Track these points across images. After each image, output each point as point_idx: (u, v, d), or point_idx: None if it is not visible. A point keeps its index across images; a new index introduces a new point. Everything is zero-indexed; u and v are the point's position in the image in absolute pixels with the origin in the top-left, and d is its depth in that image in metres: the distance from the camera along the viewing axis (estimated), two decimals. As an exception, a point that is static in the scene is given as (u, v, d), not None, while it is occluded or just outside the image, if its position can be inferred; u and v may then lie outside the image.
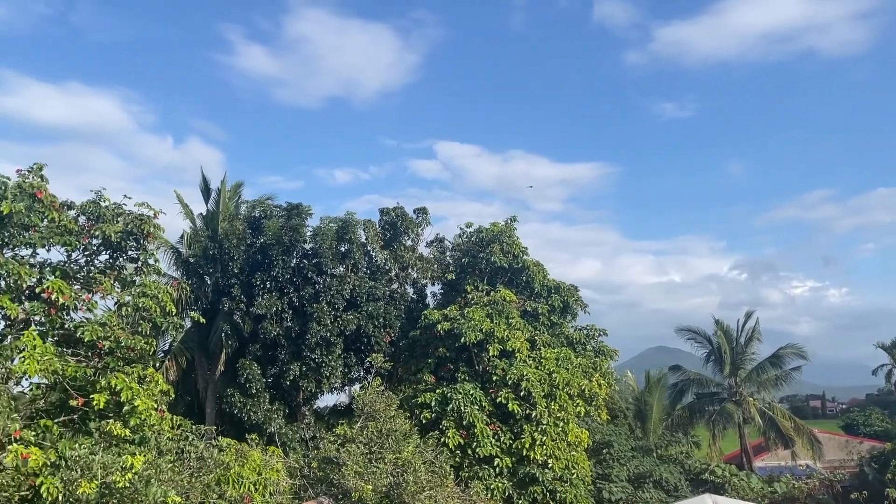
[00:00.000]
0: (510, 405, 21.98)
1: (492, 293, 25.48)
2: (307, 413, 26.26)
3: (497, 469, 21.29)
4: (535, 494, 21.14)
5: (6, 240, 15.24)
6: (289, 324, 25.00)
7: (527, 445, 21.47)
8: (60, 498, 12.22)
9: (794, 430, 37.26)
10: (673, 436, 33.81)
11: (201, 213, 28.92)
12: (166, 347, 26.97)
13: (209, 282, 27.31)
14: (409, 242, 29.25)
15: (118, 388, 14.44)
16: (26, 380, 15.14)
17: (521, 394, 22.14)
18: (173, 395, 17.74)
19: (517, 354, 23.35)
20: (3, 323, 15.67)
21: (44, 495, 12.41)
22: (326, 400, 28.67)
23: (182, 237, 28.91)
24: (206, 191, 29.19)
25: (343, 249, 26.91)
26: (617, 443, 27.16)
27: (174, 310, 17.06)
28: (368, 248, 27.93)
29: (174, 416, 16.50)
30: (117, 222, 16.73)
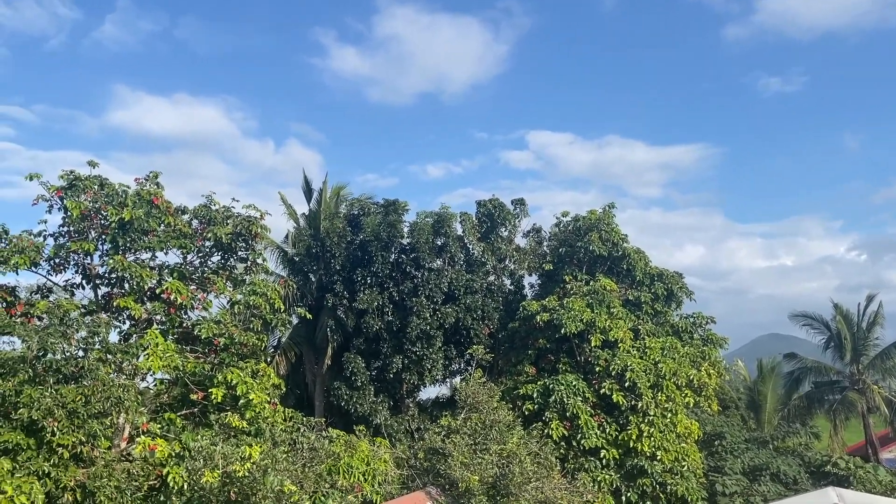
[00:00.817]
0: (614, 396, 21.52)
1: (591, 282, 25.01)
2: (411, 405, 26.73)
3: (603, 461, 20.91)
4: (644, 487, 20.62)
5: (128, 244, 16.32)
6: (390, 318, 25.49)
7: (633, 437, 20.97)
8: (185, 487, 12.99)
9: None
10: (790, 426, 32.14)
11: (304, 213, 29.94)
12: (276, 343, 28.13)
13: (313, 279, 28.25)
14: (505, 234, 29.18)
15: (234, 382, 15.20)
16: (151, 375, 16.22)
17: (626, 384, 21.63)
18: (284, 389, 18.49)
19: (620, 344, 22.83)
20: (128, 323, 16.83)
21: (170, 484, 13.24)
22: (429, 392, 29.12)
23: (287, 237, 30.04)
24: (307, 191, 30.20)
25: (439, 243, 27.18)
26: (729, 434, 26.07)
27: (282, 306, 17.79)
28: (465, 241, 28.08)
29: (286, 409, 17.22)
30: (227, 224, 17.57)
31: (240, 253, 18.13)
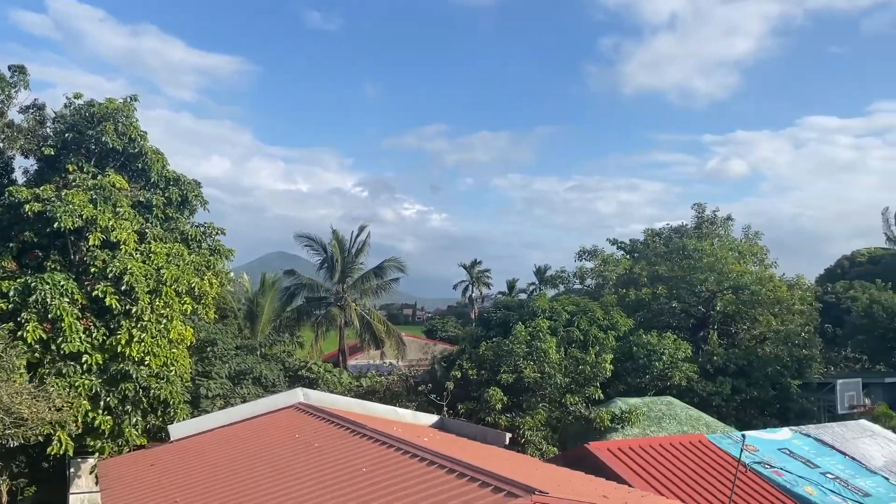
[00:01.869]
0: (108, 300, 20.39)
1: (99, 177, 22.97)
2: None
3: (85, 366, 19.76)
4: (127, 391, 20.23)
5: None
6: None
7: (123, 342, 20.27)
8: None
9: (385, 334, 41.97)
10: (279, 336, 35.29)
11: None
12: None
13: None
14: (-5, 104, 24.53)
15: None
16: None
17: (123, 288, 20.69)
18: None
19: (123, 246, 21.62)
20: None
21: None
22: None
23: None
24: None
25: None
26: (221, 341, 27.33)
27: None
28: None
29: None
30: None
31: None
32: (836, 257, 72.84)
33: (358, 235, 42.93)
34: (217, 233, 27.01)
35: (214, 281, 24.74)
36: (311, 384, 27.40)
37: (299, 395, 18.06)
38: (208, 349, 26.65)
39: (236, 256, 28.58)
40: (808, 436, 18.83)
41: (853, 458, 17.60)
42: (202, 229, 26.49)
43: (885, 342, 46.85)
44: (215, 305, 26.44)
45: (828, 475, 16.33)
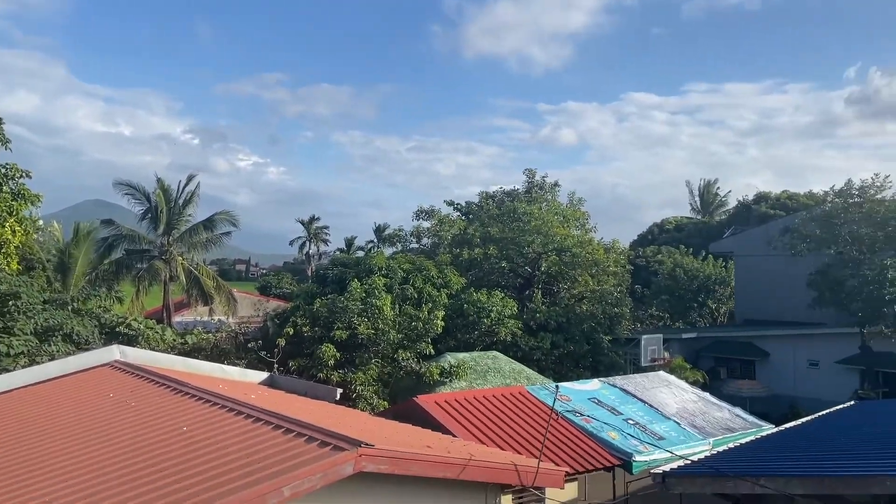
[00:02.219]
0: None
1: None
2: None
3: None
4: None
5: None
6: None
7: None
8: None
9: (215, 289, 40.25)
10: (94, 290, 32.71)
11: None
12: None
13: None
14: None
15: None
16: None
17: None
18: None
19: None
20: None
21: None
22: None
23: None
24: None
25: None
26: (27, 294, 24.85)
27: None
28: None
29: None
30: None
31: None
32: (647, 224, 79.66)
33: (186, 185, 40.52)
34: (21, 175, 24.57)
35: (18, 228, 22.55)
36: (131, 341, 25.78)
37: (115, 352, 16.94)
38: (10, 303, 24.18)
39: (46, 202, 26.24)
40: (615, 386, 20.68)
41: (651, 406, 19.58)
42: (4, 171, 23.94)
43: (684, 302, 52.27)
44: (19, 255, 24.06)
45: (629, 421, 18.06)
